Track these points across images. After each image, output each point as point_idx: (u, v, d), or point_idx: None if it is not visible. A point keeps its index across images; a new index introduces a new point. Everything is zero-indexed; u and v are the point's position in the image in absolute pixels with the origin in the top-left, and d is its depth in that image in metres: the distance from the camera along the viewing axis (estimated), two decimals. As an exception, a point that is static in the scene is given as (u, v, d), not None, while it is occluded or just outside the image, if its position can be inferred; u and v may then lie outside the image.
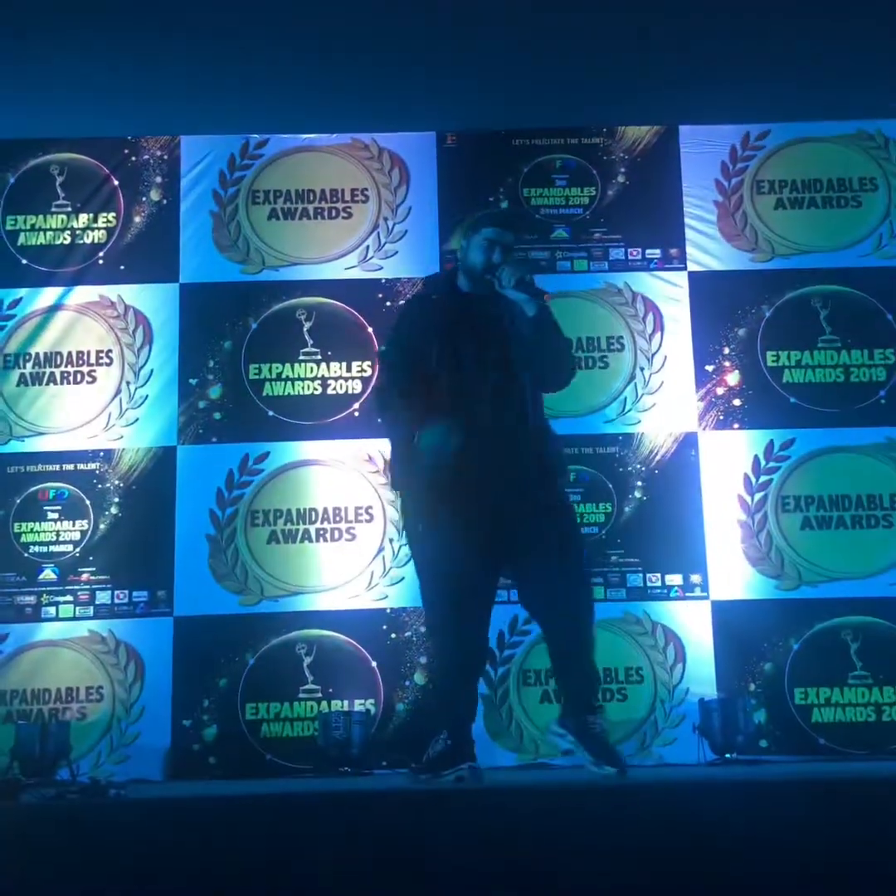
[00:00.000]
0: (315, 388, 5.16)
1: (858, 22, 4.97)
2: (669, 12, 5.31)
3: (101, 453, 5.07)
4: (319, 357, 5.20)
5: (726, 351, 5.19)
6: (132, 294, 5.23)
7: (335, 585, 4.94)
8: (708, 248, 5.28)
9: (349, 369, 5.14)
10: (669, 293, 5.24)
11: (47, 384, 5.16)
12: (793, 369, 5.18)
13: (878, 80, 5.23)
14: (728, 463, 5.08)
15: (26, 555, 4.99)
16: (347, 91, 5.38)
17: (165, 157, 5.36)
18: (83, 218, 5.32)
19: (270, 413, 5.14)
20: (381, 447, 4.81)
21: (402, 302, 5.13)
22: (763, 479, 5.06)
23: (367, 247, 5.32)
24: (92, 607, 4.93)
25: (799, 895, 2.55)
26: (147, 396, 5.13)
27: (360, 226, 5.36)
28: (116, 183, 5.34)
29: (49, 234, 5.32)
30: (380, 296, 5.25)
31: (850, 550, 4.99)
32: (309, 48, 5.42)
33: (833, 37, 5.06)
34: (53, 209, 5.34)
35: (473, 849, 2.66)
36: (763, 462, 5.08)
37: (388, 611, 4.89)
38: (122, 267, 5.27)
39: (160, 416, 5.11)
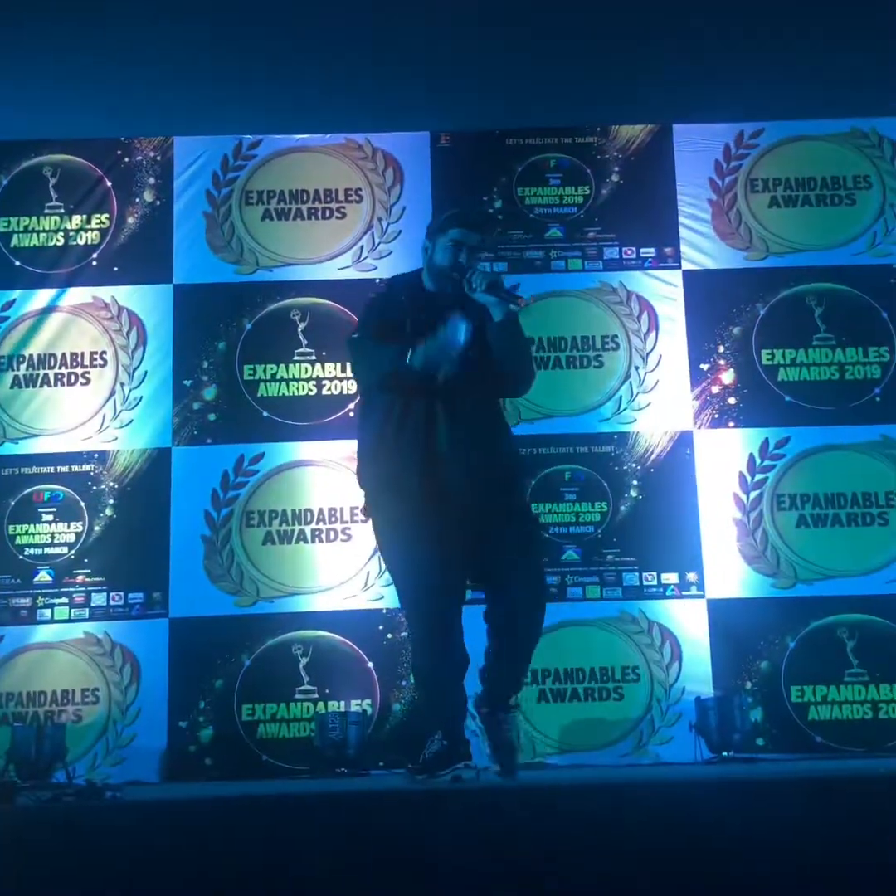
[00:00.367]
0: (310, 389, 5.15)
1: (852, 21, 4.98)
2: (663, 11, 5.31)
3: (96, 455, 5.07)
4: (314, 357, 5.20)
5: (721, 349, 5.19)
6: (126, 295, 5.22)
7: (331, 586, 4.93)
8: (702, 247, 5.28)
9: (344, 370, 5.12)
10: (664, 292, 5.24)
11: (41, 386, 5.15)
12: (788, 367, 5.18)
13: (871, 78, 5.23)
14: (723, 461, 5.08)
15: (21, 557, 4.99)
16: (341, 91, 5.37)
17: (158, 157, 5.36)
18: (76, 219, 5.31)
19: (265, 414, 5.13)
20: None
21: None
22: (758, 477, 5.07)
23: (362, 247, 5.32)
24: (87, 609, 4.92)
25: (796, 894, 2.55)
26: (141, 398, 5.12)
27: (354, 226, 5.35)
28: (109, 184, 5.33)
29: (42, 235, 5.31)
30: (373, 296, 5.23)
31: (846, 548, 4.99)
32: (302, 48, 5.41)
33: (827, 35, 5.07)
34: (46, 211, 5.33)
35: (471, 849, 2.65)
36: (758, 460, 5.08)
37: (384, 611, 4.89)
38: (115, 268, 5.26)
39: (155, 417, 5.10)
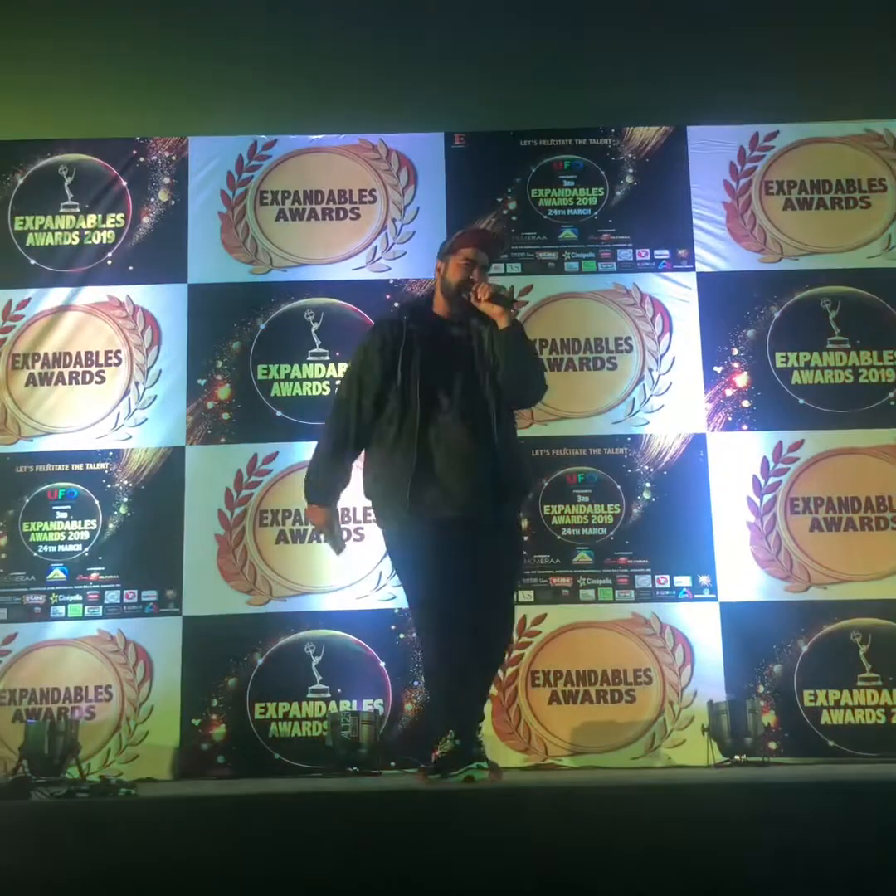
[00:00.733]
0: (323, 389, 5.16)
1: (866, 23, 4.98)
2: (678, 14, 5.32)
3: (110, 453, 5.08)
4: (327, 358, 5.21)
5: (735, 352, 5.18)
6: (141, 294, 5.24)
7: (343, 585, 4.94)
8: (716, 249, 5.27)
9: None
10: (678, 294, 5.23)
11: (56, 384, 5.17)
12: (802, 370, 5.17)
13: (885, 80, 5.23)
14: (737, 464, 5.07)
15: (35, 554, 5.00)
16: (355, 92, 5.39)
17: (174, 157, 5.37)
18: (92, 218, 5.32)
19: (279, 413, 5.14)
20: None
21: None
22: (772, 480, 5.06)
23: (375, 247, 5.32)
24: (101, 607, 4.94)
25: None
26: (156, 397, 5.14)
27: (368, 226, 5.36)
28: (125, 184, 5.35)
29: (57, 234, 5.33)
30: (388, 296, 5.25)
31: (860, 552, 4.97)
32: (317, 49, 5.44)
33: (841, 38, 5.07)
34: (62, 210, 5.35)
35: (482, 849, 2.66)
36: (772, 463, 5.07)
37: (397, 611, 4.89)
38: (130, 267, 5.28)
39: (169, 416, 5.11)
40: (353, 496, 4.95)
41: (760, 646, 4.88)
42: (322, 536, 3.73)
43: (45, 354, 5.19)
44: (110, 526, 5.03)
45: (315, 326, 5.24)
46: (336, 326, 5.23)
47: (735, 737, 4.49)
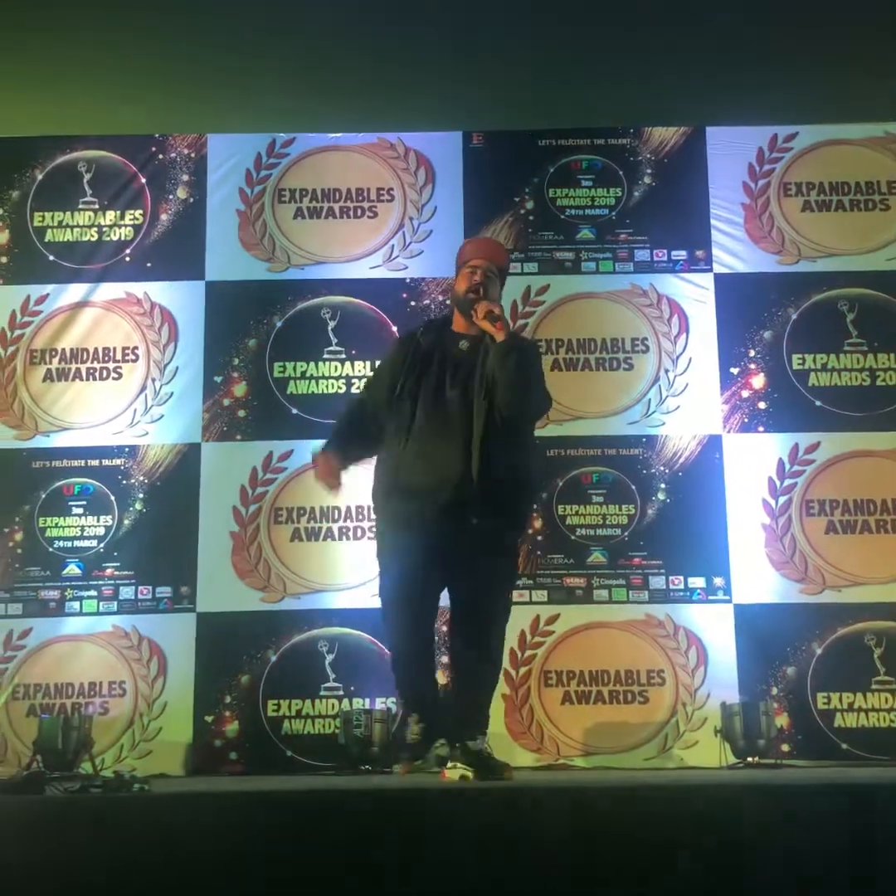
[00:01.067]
0: (339, 387, 5.17)
1: (887, 25, 4.96)
2: (698, 14, 5.31)
3: (127, 449, 5.10)
4: (344, 356, 5.21)
5: (751, 353, 5.17)
6: (158, 291, 5.25)
7: (357, 583, 4.93)
8: (734, 250, 5.26)
9: (373, 368, 5.13)
10: (695, 295, 5.22)
11: (73, 380, 5.19)
12: (818, 372, 5.16)
13: (905, 82, 5.21)
14: (752, 466, 5.06)
15: (51, 549, 5.02)
16: (374, 91, 5.40)
17: (192, 155, 5.38)
18: (110, 215, 5.34)
19: (294, 411, 5.15)
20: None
21: (426, 301, 5.18)
22: (787, 482, 5.04)
23: (393, 246, 5.33)
24: (116, 602, 4.95)
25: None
26: (172, 393, 5.15)
27: (386, 225, 5.36)
28: (144, 180, 5.37)
29: (76, 230, 5.34)
30: (404, 295, 5.25)
31: (875, 555, 4.96)
32: (336, 48, 5.44)
33: (861, 40, 5.05)
34: (81, 206, 5.37)
35: (493, 848, 2.66)
36: (788, 465, 5.06)
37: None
38: (148, 264, 5.29)
39: (185, 413, 5.13)
40: (368, 494, 5.00)
41: (774, 648, 4.87)
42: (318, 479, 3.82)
43: (63, 350, 5.21)
44: (126, 522, 5.05)
45: (331, 325, 5.24)
46: (352, 325, 5.24)
47: (748, 739, 4.48)
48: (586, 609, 4.94)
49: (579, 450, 5.10)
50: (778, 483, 5.04)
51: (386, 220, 5.37)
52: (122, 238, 5.33)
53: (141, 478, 5.08)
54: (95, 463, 5.09)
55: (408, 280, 5.26)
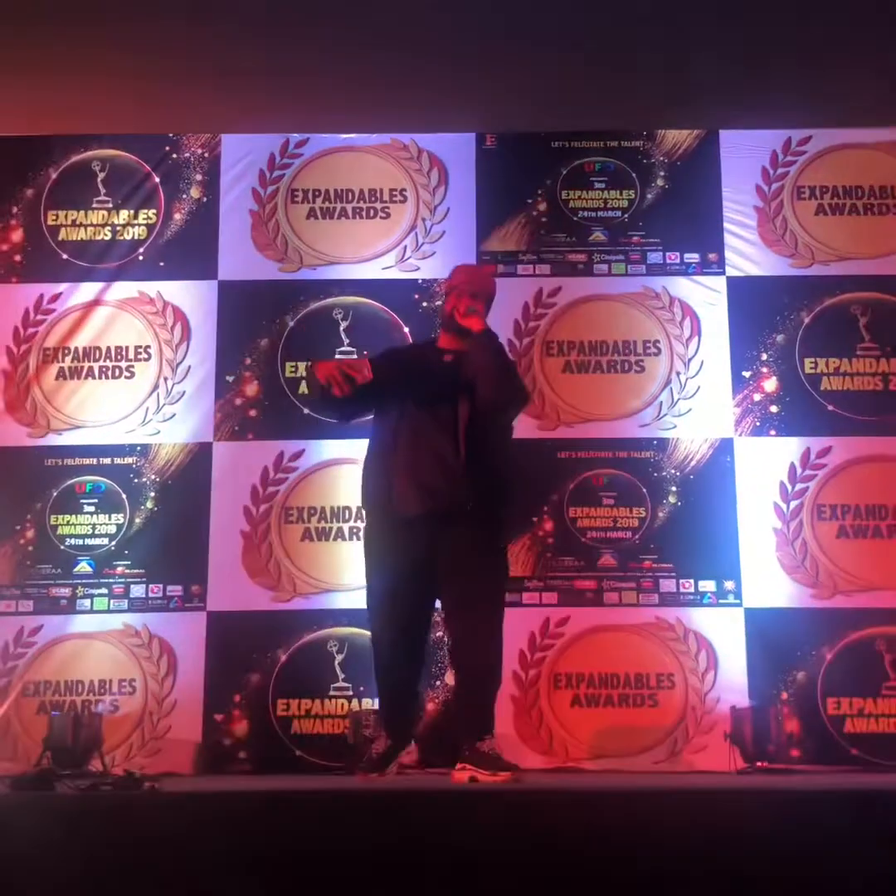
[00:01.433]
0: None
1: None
2: (712, 17, 5.29)
3: (138, 448, 5.11)
4: (355, 356, 5.20)
5: (764, 357, 5.16)
6: (171, 291, 5.26)
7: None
8: (747, 254, 5.25)
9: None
10: (707, 298, 5.22)
11: (86, 378, 5.20)
12: (831, 376, 5.15)
13: (921, 86, 5.19)
14: (764, 470, 5.05)
15: (62, 547, 5.04)
16: (387, 92, 5.40)
17: (206, 154, 5.40)
18: (124, 214, 5.36)
19: (306, 411, 5.16)
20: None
21: (438, 302, 5.18)
22: (799, 486, 5.03)
23: (405, 247, 5.33)
24: (126, 600, 4.97)
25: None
26: (184, 392, 5.17)
27: (398, 226, 5.37)
28: (157, 180, 5.38)
29: (90, 229, 5.36)
30: (416, 296, 5.26)
31: (886, 560, 4.94)
32: (350, 48, 5.44)
33: (876, 43, 5.03)
34: (94, 205, 5.38)
35: (501, 850, 2.66)
36: (799, 469, 5.05)
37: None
38: (161, 263, 5.31)
39: (197, 412, 5.14)
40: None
41: (785, 652, 4.86)
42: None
43: (76, 348, 5.22)
44: (137, 520, 5.06)
45: (343, 325, 5.25)
46: (364, 325, 5.24)
47: (758, 743, 4.47)
48: (596, 612, 4.93)
49: (590, 452, 5.09)
50: (789, 487, 5.03)
51: (398, 221, 5.37)
52: (136, 237, 5.34)
53: (152, 476, 5.09)
54: (107, 461, 5.11)
55: (420, 281, 5.27)
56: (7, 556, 5.02)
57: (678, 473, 5.06)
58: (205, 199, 5.35)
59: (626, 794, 3.11)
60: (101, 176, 5.39)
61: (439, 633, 4.79)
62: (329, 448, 5.12)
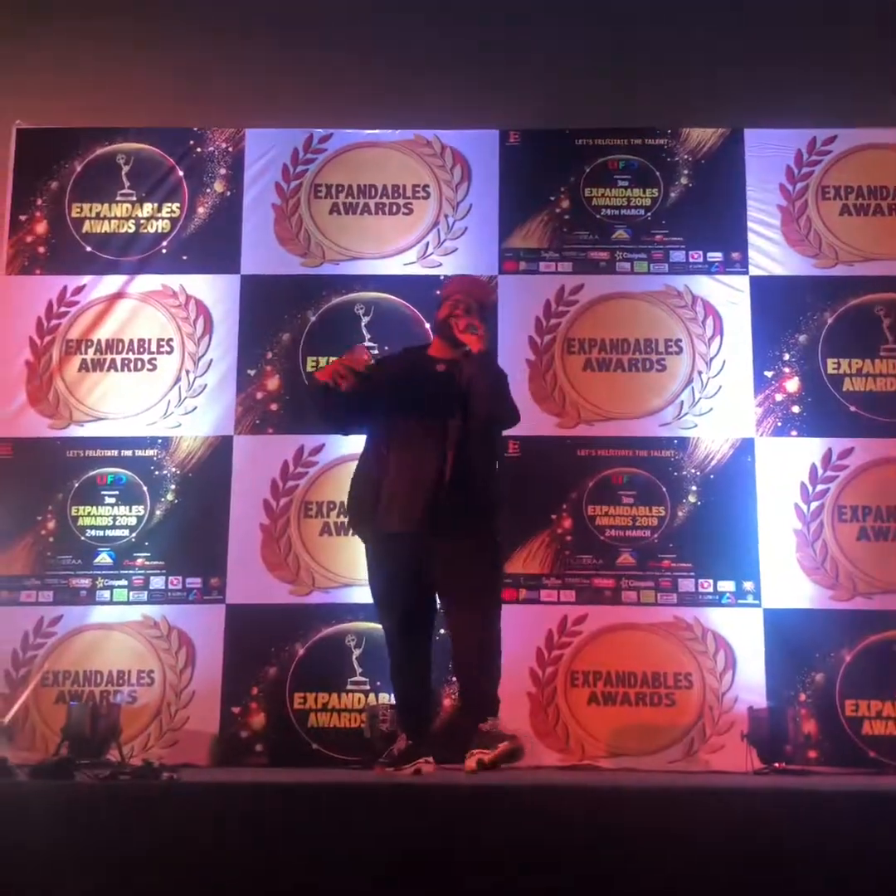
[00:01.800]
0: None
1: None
2: (737, 16, 5.28)
3: (160, 440, 5.13)
4: (376, 352, 5.21)
5: (786, 357, 5.14)
6: (194, 284, 5.28)
7: (384, 580, 4.93)
8: (770, 253, 5.23)
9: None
10: (730, 297, 5.20)
11: (108, 371, 5.22)
12: (853, 377, 5.12)
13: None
14: (785, 470, 5.03)
15: (83, 538, 5.06)
16: (411, 88, 5.41)
17: (230, 149, 5.40)
18: (148, 207, 5.37)
19: (327, 406, 5.16)
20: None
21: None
22: (820, 487, 5.01)
23: (427, 243, 5.33)
24: (146, 592, 4.99)
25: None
26: (206, 385, 5.18)
27: (421, 222, 5.37)
28: (181, 173, 5.39)
29: (114, 222, 5.38)
30: (437, 292, 5.22)
31: (907, 563, 4.92)
32: (374, 44, 5.46)
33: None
34: (119, 198, 5.40)
35: (517, 847, 2.66)
36: (820, 470, 5.03)
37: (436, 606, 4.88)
38: (184, 257, 5.32)
39: (218, 405, 5.15)
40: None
41: (803, 653, 4.84)
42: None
43: (99, 341, 5.24)
44: (157, 512, 5.08)
45: (365, 320, 5.25)
46: (385, 321, 5.25)
47: (775, 744, 4.46)
48: (614, 610, 4.92)
49: (610, 450, 5.08)
50: (810, 488, 5.01)
51: (421, 217, 5.37)
52: (159, 230, 5.36)
53: (173, 469, 5.11)
54: (128, 453, 5.13)
55: (441, 277, 5.25)
56: (28, 547, 5.04)
57: (698, 473, 5.05)
58: (228, 194, 5.36)
59: (641, 791, 3.11)
60: (125, 169, 5.40)
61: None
62: (349, 443, 5.09)
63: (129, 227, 5.36)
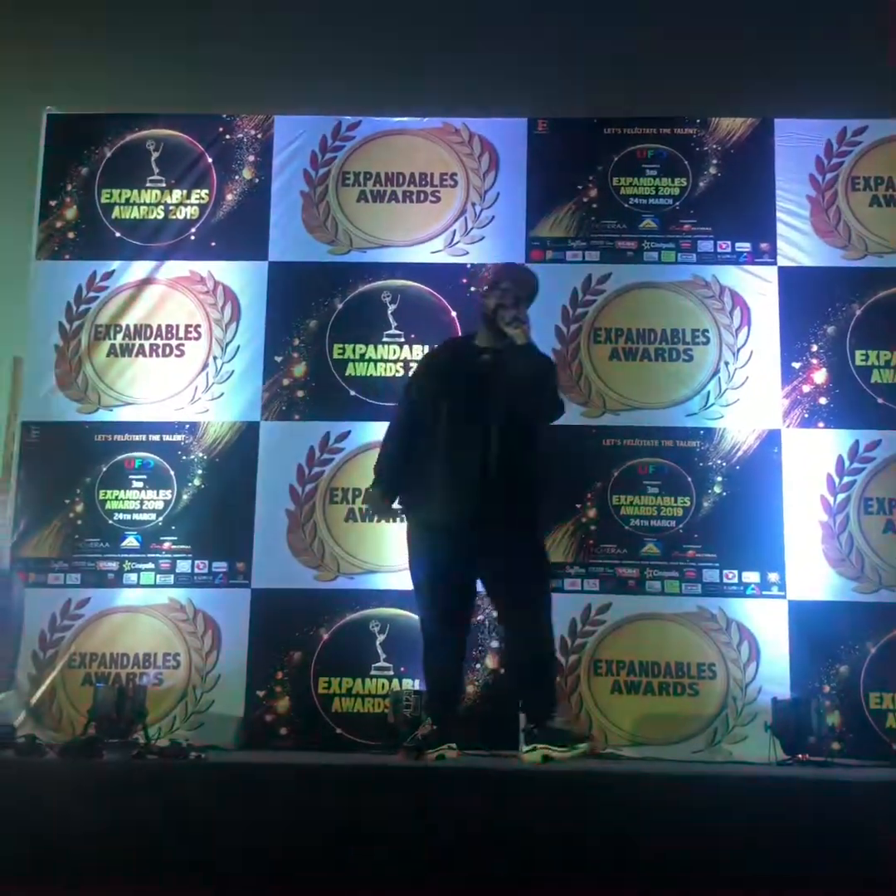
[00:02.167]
0: (397, 370, 5.18)
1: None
2: (768, 5, 5.26)
3: (187, 425, 5.16)
4: (402, 339, 5.23)
5: (814, 348, 5.12)
6: (222, 270, 5.30)
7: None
8: (799, 244, 5.20)
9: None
10: (758, 288, 5.17)
11: (136, 356, 5.25)
12: (882, 369, 5.09)
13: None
14: (811, 462, 5.01)
15: (110, 522, 5.10)
16: (440, 75, 5.41)
17: (259, 135, 5.42)
18: (177, 194, 5.39)
19: (352, 393, 5.18)
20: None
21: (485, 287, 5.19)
22: (846, 479, 4.99)
23: (454, 231, 5.33)
24: (172, 576, 5.02)
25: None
26: (233, 372, 5.20)
27: (448, 210, 5.36)
28: (210, 160, 5.40)
29: (143, 208, 5.40)
30: (464, 281, 5.25)
31: (933, 556, 4.90)
32: (402, 32, 5.47)
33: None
34: (148, 184, 5.41)
35: (540, 831, 2.68)
36: (847, 462, 5.01)
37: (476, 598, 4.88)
38: (212, 243, 5.33)
39: (245, 391, 5.18)
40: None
41: (828, 645, 4.82)
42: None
43: (127, 326, 5.27)
44: (184, 497, 5.11)
45: (391, 308, 5.26)
46: (412, 309, 5.25)
47: (798, 735, 4.45)
48: (638, 600, 4.93)
49: (636, 440, 5.07)
50: (837, 480, 4.99)
51: (448, 205, 5.37)
52: (188, 217, 5.38)
53: (200, 454, 5.14)
54: (156, 438, 5.16)
55: (468, 266, 5.26)
56: (56, 530, 5.08)
57: (724, 464, 5.03)
58: (257, 180, 5.37)
59: (665, 779, 3.12)
60: (155, 155, 5.42)
61: (479, 616, 4.82)
62: (375, 430, 5.11)
63: (158, 214, 5.38)
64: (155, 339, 5.26)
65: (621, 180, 5.34)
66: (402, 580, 4.94)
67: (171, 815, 2.58)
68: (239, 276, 5.29)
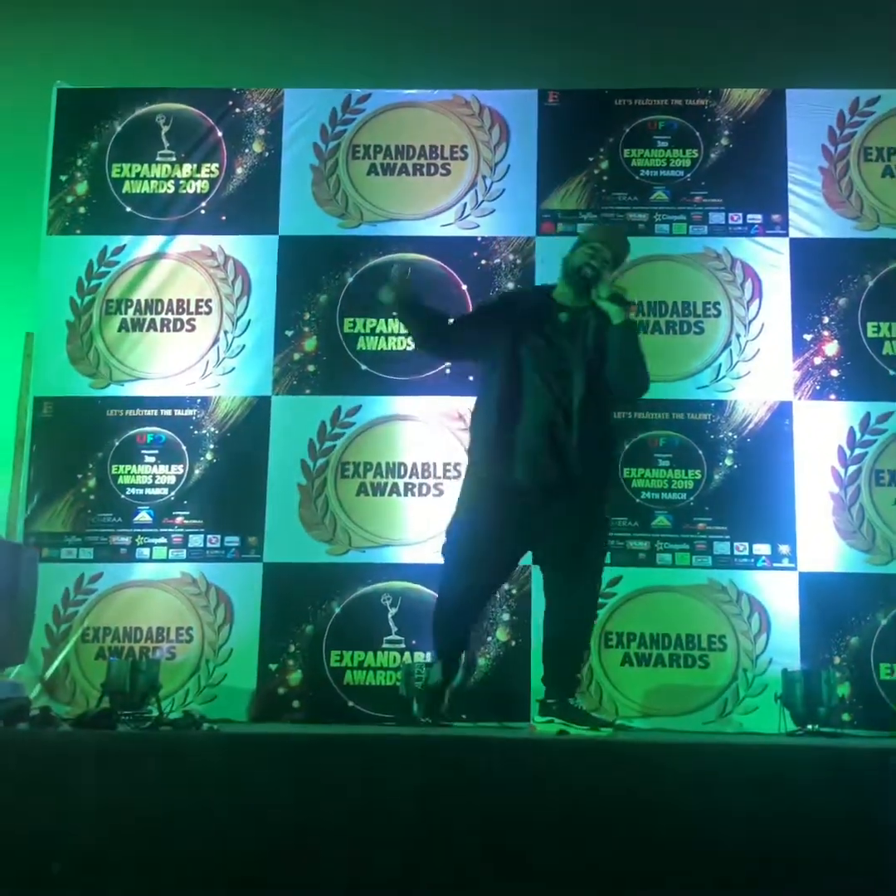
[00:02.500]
0: (408, 344, 5.16)
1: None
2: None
3: (199, 400, 5.17)
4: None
5: (826, 320, 5.09)
6: (232, 245, 5.30)
7: (421, 539, 4.96)
8: (811, 215, 5.17)
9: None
10: (769, 259, 5.15)
11: (148, 331, 5.26)
12: (893, 341, 5.07)
13: None
14: (823, 434, 5.00)
15: (123, 496, 5.12)
16: (450, 47, 5.38)
17: (269, 109, 5.40)
18: (187, 168, 5.39)
19: (363, 367, 5.18)
20: (471, 405, 4.79)
21: (497, 260, 5.18)
22: (858, 451, 4.99)
23: (465, 204, 5.32)
24: (185, 550, 5.04)
25: (878, 869, 2.55)
26: (244, 346, 5.21)
27: (459, 183, 5.35)
28: (220, 134, 5.39)
29: (153, 182, 5.40)
30: (475, 254, 5.25)
31: (945, 526, 4.90)
32: (412, 4, 5.43)
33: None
34: (158, 158, 5.41)
35: (551, 803, 2.70)
36: (858, 434, 5.00)
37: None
38: (223, 217, 5.33)
39: (256, 366, 5.18)
40: (433, 451, 5.07)
41: (838, 617, 4.83)
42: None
43: (138, 301, 5.27)
44: (196, 471, 5.13)
45: (402, 280, 5.24)
46: (423, 282, 5.20)
47: (808, 706, 4.46)
48: (649, 572, 4.93)
49: (647, 413, 5.07)
50: (848, 452, 4.99)
51: (459, 178, 5.35)
52: (198, 191, 5.37)
53: (212, 429, 5.15)
54: (168, 413, 5.17)
55: (479, 239, 5.25)
56: (68, 505, 5.11)
57: (735, 436, 5.03)
58: (267, 154, 5.36)
59: (676, 750, 3.13)
60: (165, 129, 5.41)
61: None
62: (386, 404, 5.15)
63: (169, 188, 5.38)
64: (166, 313, 5.27)
65: (632, 152, 5.32)
66: (413, 554, 4.98)
67: (182, 789, 2.60)
68: (249, 250, 5.29)
